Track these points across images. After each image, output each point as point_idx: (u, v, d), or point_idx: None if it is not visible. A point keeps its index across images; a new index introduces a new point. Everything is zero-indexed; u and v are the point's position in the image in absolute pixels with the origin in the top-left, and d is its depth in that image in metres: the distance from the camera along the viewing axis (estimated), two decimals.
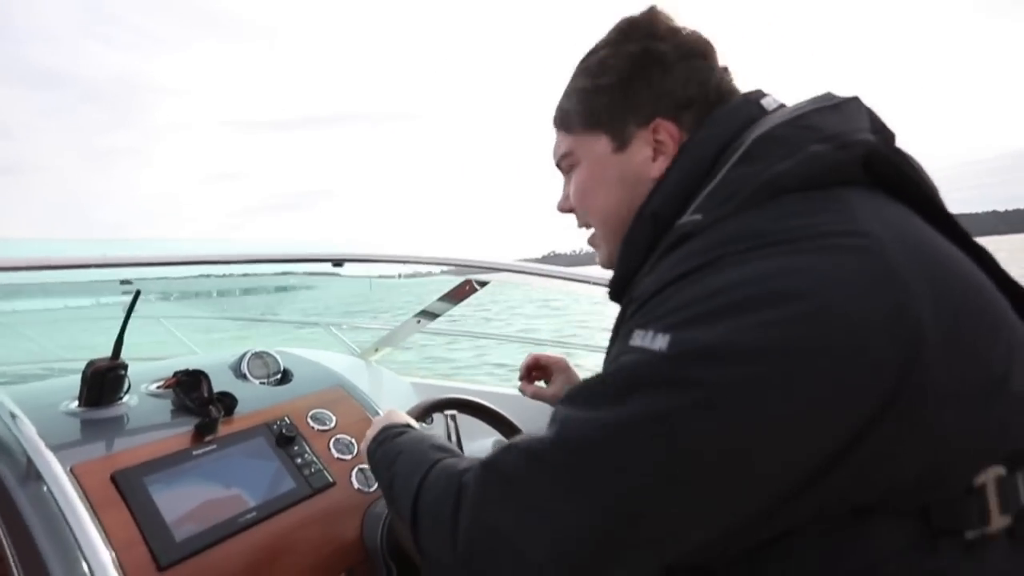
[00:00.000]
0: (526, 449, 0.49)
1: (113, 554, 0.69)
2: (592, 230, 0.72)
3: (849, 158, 0.50)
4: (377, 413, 1.27)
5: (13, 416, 0.80)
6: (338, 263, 1.30)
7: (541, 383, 1.02)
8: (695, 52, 0.62)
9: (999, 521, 0.43)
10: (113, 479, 0.82)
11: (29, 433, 0.77)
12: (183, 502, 0.85)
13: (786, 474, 0.42)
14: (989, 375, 0.43)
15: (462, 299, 1.63)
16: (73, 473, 0.78)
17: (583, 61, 0.67)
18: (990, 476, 0.43)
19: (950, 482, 0.43)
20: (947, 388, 0.41)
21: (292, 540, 0.91)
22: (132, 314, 0.95)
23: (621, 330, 0.52)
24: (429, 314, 1.66)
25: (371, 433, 0.79)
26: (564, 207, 0.74)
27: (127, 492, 0.81)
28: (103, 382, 0.95)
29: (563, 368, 1.00)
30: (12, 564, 0.72)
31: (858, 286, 0.42)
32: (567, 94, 0.68)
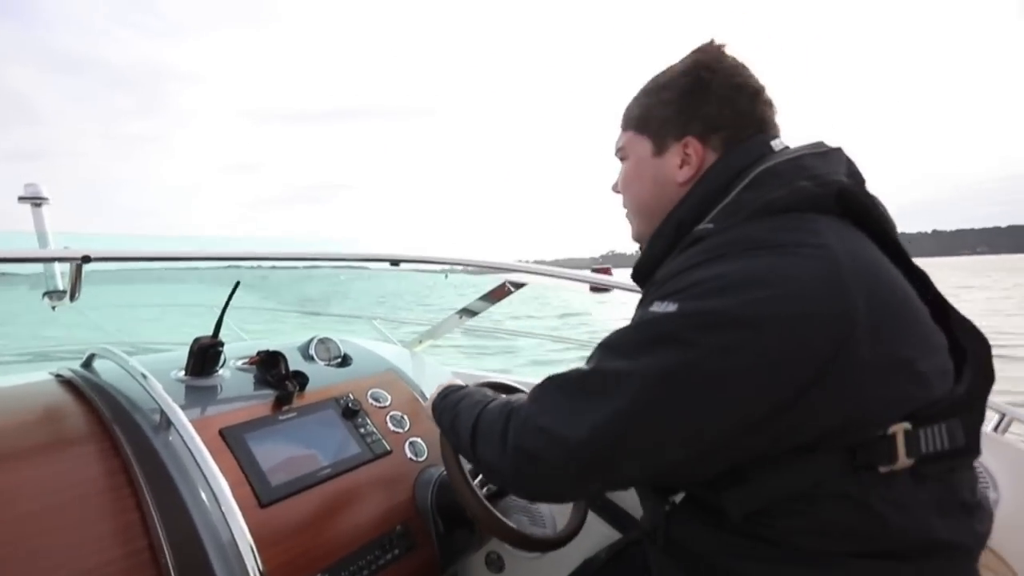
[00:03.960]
0: (567, 375, 0.69)
1: (228, 488, 0.86)
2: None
3: (825, 193, 0.67)
4: (424, 396, 1.44)
5: (145, 377, 0.98)
6: (395, 263, 1.47)
7: None
8: (737, 86, 0.78)
9: (904, 461, 0.59)
10: (221, 433, 1.00)
11: (159, 391, 0.95)
12: (274, 456, 1.03)
13: (747, 409, 0.58)
14: (901, 358, 0.60)
15: (500, 299, 1.78)
16: (193, 425, 0.96)
17: (653, 77, 0.84)
18: (899, 428, 0.59)
19: (868, 430, 0.59)
20: (869, 362, 0.58)
21: (358, 495, 1.09)
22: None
23: (643, 303, 0.70)
24: (469, 312, 1.82)
25: (436, 391, 0.98)
26: (616, 189, 0.92)
27: (233, 444, 0.99)
28: (206, 356, 1.13)
29: None
30: (146, 493, 0.90)
31: (811, 281, 0.59)
32: (634, 100, 0.86)
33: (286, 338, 1.52)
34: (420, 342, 1.85)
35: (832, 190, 0.67)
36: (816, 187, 0.67)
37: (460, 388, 0.95)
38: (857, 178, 0.72)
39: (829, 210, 0.67)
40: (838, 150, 0.73)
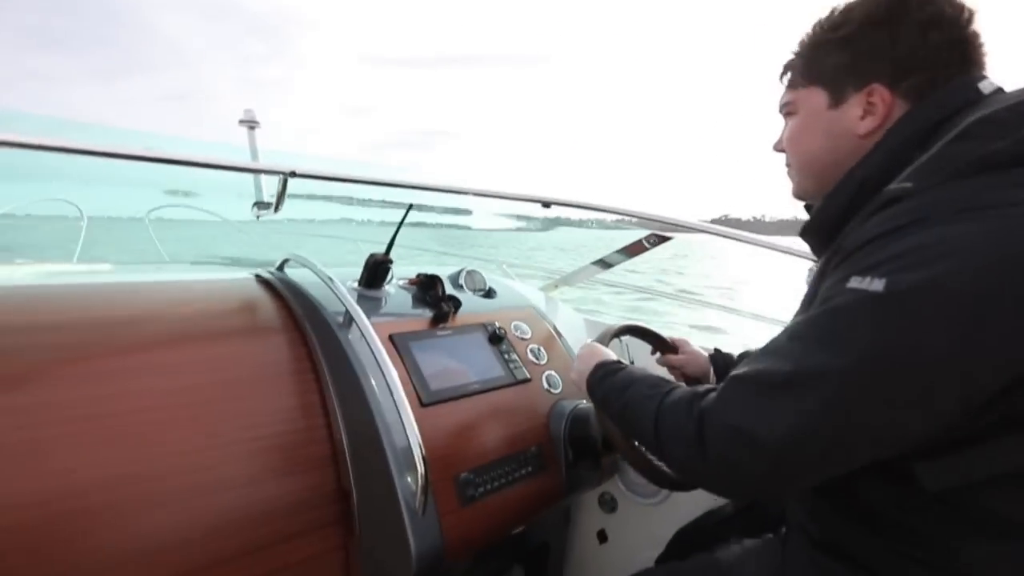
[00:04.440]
0: (762, 374, 0.63)
1: (400, 383, 0.97)
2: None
3: None
4: (559, 333, 1.50)
5: (331, 280, 1.11)
6: (547, 204, 1.52)
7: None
8: (938, 19, 0.67)
9: None
10: (391, 338, 1.12)
11: (344, 293, 1.08)
12: (432, 365, 1.14)
13: (971, 392, 0.54)
14: None
15: (637, 253, 1.79)
16: None
17: (824, 19, 0.76)
18: None
19: None
20: None
21: (500, 412, 1.18)
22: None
23: (827, 276, 0.64)
24: (605, 263, 1.85)
25: (586, 367, 0.95)
26: (778, 147, 0.86)
27: (400, 348, 1.12)
28: (377, 271, 1.26)
29: (685, 343, 1.26)
30: (327, 380, 1.04)
31: None
32: (802, 47, 0.78)
33: (433, 268, 1.64)
34: (556, 287, 1.91)
35: None
36: None
37: (618, 367, 0.90)
38: None
39: None
40: None
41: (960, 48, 0.68)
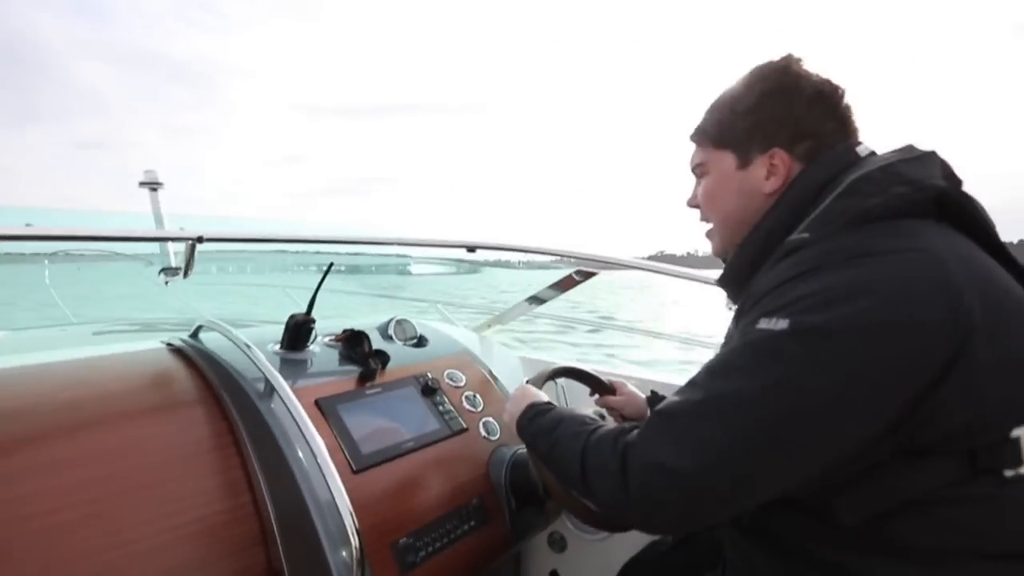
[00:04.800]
0: (679, 406, 0.67)
1: (327, 450, 0.93)
2: (710, 225, 0.91)
3: (923, 198, 0.66)
4: (495, 377, 1.49)
5: (249, 347, 1.06)
6: (471, 249, 1.52)
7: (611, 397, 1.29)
8: (820, 95, 0.78)
9: None
10: (317, 403, 1.08)
11: (262, 360, 1.03)
12: (363, 427, 1.10)
13: (869, 422, 0.59)
14: (1022, 358, 0.59)
15: (568, 288, 1.82)
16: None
17: (726, 90, 0.85)
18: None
19: (992, 433, 0.59)
20: (989, 364, 0.58)
21: (438, 467, 1.15)
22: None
23: (743, 319, 0.70)
24: (538, 299, 1.86)
25: (517, 408, 0.97)
26: (692, 204, 0.93)
27: (328, 413, 1.07)
28: (299, 332, 1.21)
29: (623, 385, 1.28)
30: (251, 454, 0.99)
31: (920, 285, 0.59)
32: (707, 115, 0.87)
33: (363, 319, 1.60)
34: (488, 326, 1.90)
35: (930, 194, 0.66)
36: (914, 192, 0.66)
37: (548, 408, 0.93)
38: (954, 180, 0.71)
39: (928, 215, 0.67)
40: (932, 153, 0.72)
41: (838, 118, 0.79)
